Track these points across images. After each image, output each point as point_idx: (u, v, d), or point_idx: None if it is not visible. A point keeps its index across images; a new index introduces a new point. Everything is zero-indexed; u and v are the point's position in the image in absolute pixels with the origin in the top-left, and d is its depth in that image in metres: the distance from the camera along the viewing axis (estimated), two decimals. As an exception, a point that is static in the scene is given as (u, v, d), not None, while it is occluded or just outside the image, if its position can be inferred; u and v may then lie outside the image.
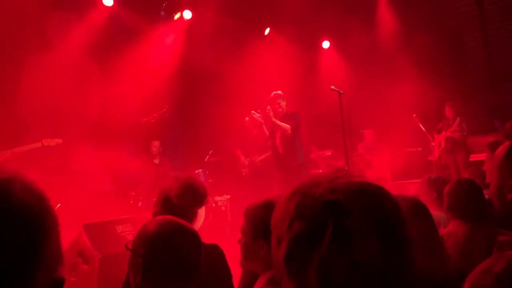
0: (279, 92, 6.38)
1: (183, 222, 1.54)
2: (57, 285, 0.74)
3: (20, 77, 6.65)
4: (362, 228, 0.73)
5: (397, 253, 0.75)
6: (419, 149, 8.18)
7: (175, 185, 2.30)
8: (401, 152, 8.03)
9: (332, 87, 6.01)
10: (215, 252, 2.30)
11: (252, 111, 6.25)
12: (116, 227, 4.09)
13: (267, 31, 9.40)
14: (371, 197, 0.78)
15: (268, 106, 6.15)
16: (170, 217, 1.55)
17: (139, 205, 6.90)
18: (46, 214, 0.74)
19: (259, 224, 1.74)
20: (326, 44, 9.86)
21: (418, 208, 1.82)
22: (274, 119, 6.10)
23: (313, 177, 0.84)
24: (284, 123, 6.16)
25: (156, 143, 7.54)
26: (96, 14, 7.71)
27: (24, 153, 5.37)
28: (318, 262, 0.73)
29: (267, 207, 1.74)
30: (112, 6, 7.76)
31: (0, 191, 0.70)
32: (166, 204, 2.28)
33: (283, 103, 6.32)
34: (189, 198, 2.27)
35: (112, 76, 7.55)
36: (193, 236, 1.51)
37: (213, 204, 7.33)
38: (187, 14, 8.51)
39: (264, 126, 6.38)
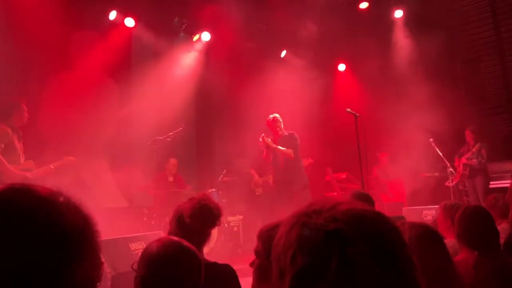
0: (276, 115, 6.45)
1: (186, 243, 1.53)
2: None
3: (42, 95, 6.78)
4: (364, 257, 0.73)
5: (399, 278, 0.74)
6: (436, 174, 8.07)
7: (189, 204, 2.30)
8: (417, 177, 7.92)
9: (348, 109, 6.04)
10: (227, 272, 2.28)
11: (263, 135, 6.30)
12: (130, 245, 4.08)
13: (283, 53, 9.51)
14: (371, 225, 0.77)
15: (263, 134, 6.25)
16: (172, 238, 1.55)
17: (152, 223, 6.90)
18: (87, 233, 0.74)
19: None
20: (342, 67, 9.92)
21: (429, 235, 1.79)
22: (274, 146, 6.20)
23: (312, 203, 0.83)
24: (284, 145, 6.21)
25: (173, 161, 7.63)
26: (116, 34, 7.88)
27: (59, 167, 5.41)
28: None
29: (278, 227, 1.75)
30: (133, 27, 7.97)
31: (43, 207, 0.70)
32: (180, 223, 2.28)
33: (281, 125, 6.40)
34: (202, 218, 2.26)
35: (130, 95, 7.67)
36: (194, 258, 1.50)
37: (226, 225, 7.30)
38: (206, 36, 8.70)
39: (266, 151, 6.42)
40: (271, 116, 6.44)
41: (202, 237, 2.26)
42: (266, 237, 1.75)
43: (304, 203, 0.85)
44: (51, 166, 5.32)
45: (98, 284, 0.76)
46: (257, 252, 1.80)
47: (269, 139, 6.28)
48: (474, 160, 7.48)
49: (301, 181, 6.19)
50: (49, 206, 0.70)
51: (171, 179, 7.65)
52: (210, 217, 2.29)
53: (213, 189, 7.57)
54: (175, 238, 1.55)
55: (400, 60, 9.04)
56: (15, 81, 6.32)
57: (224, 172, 7.97)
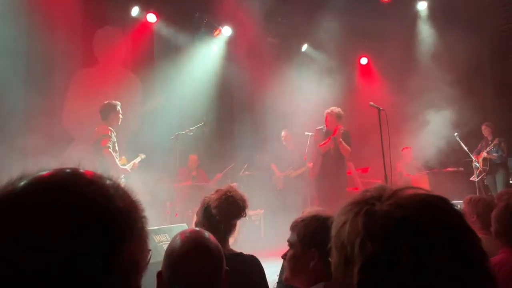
0: (337, 109, 6.43)
1: (208, 237, 1.50)
2: None
3: (66, 90, 6.96)
4: (436, 246, 0.71)
5: (471, 268, 0.73)
6: (461, 169, 7.92)
7: (215, 196, 2.32)
8: (441, 172, 7.79)
9: (371, 103, 5.96)
10: (253, 263, 2.27)
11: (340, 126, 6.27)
12: (154, 237, 4.18)
13: (304, 47, 9.43)
14: (437, 211, 0.76)
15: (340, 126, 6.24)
16: (194, 232, 1.53)
17: (175, 216, 6.97)
18: (134, 217, 0.74)
19: (311, 233, 1.75)
20: (364, 60, 9.79)
21: None
22: (341, 140, 6.20)
23: (366, 190, 0.83)
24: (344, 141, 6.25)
25: (194, 157, 7.76)
26: (139, 30, 7.95)
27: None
28: (397, 285, 0.71)
29: (317, 219, 1.78)
30: (155, 22, 8.03)
31: (90, 189, 0.71)
32: (206, 214, 2.31)
33: (338, 121, 6.41)
34: (227, 210, 2.28)
35: (153, 90, 7.74)
36: (214, 251, 1.45)
37: (247, 218, 7.28)
38: (227, 31, 8.68)
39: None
40: (334, 109, 6.38)
41: (227, 228, 2.28)
42: (302, 226, 1.77)
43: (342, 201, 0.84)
44: (135, 162, 5.85)
45: (144, 270, 0.76)
46: (291, 243, 1.80)
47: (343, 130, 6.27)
48: (495, 154, 7.35)
49: (345, 180, 6.29)
50: (97, 188, 0.72)
51: (193, 173, 7.77)
52: (236, 209, 2.30)
53: (235, 183, 7.49)
54: (198, 231, 1.54)
55: (423, 53, 8.85)
56: (40, 77, 6.48)
57: (245, 166, 8.00)
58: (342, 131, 6.25)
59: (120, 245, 0.70)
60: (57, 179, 0.72)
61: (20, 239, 0.64)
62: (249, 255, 2.27)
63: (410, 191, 0.79)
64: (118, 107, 5.53)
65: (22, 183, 0.70)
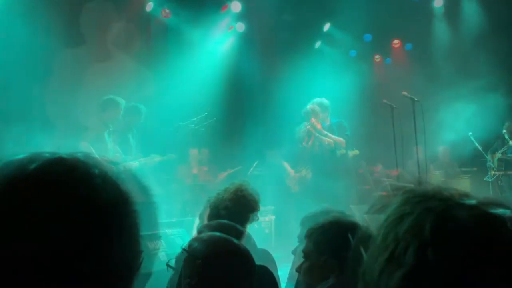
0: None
1: (239, 244, 1.55)
2: None
3: (79, 83, 6.77)
4: None
5: None
6: (474, 169, 7.74)
7: (226, 195, 2.26)
8: (454, 171, 7.64)
9: (384, 100, 5.91)
10: (267, 276, 2.14)
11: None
12: (166, 230, 4.17)
13: (326, 27, 8.64)
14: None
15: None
16: (225, 239, 1.54)
17: (174, 220, 6.46)
18: (122, 211, 0.67)
19: (330, 242, 1.65)
20: (396, 44, 9.30)
21: None
22: (319, 133, 6.12)
23: (442, 188, 0.69)
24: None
25: (194, 152, 7.15)
26: (153, 25, 7.83)
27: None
28: None
29: (336, 225, 1.68)
30: (168, 18, 7.81)
31: (75, 178, 0.64)
32: (214, 217, 2.24)
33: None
34: (242, 204, 2.24)
35: (166, 84, 7.39)
36: (249, 261, 1.49)
37: (256, 225, 6.78)
38: (236, 7, 8.02)
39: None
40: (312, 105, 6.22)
41: (243, 219, 2.24)
42: (318, 235, 1.68)
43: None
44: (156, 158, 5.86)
45: (136, 273, 0.68)
46: (306, 253, 1.70)
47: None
48: (510, 155, 7.18)
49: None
50: (80, 177, 0.64)
51: (195, 171, 7.11)
52: (250, 202, 2.27)
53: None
54: (227, 238, 1.52)
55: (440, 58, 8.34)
56: (47, 72, 6.35)
57: (255, 164, 7.44)
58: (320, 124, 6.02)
59: (106, 245, 0.62)
60: (40, 169, 0.63)
61: None
62: (261, 265, 2.10)
63: (497, 206, 0.66)
64: (120, 105, 5.62)
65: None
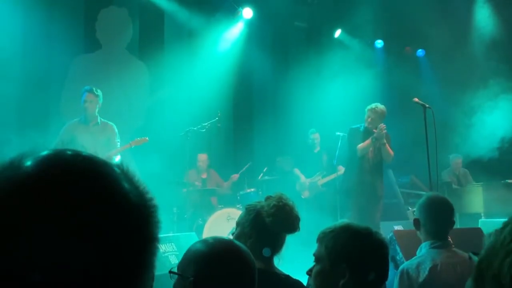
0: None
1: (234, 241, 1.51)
2: None
3: (67, 76, 6.71)
4: None
5: None
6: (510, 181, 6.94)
7: (268, 202, 2.10)
8: (497, 184, 6.79)
9: (415, 99, 5.19)
10: None
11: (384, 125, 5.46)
12: (159, 246, 3.50)
13: (337, 33, 8.66)
14: None
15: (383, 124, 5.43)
16: (219, 237, 1.51)
17: (183, 224, 6.27)
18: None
19: (341, 246, 1.61)
20: (409, 49, 9.15)
21: None
22: (385, 141, 5.42)
23: None
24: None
25: (203, 157, 7.02)
26: (148, 13, 7.46)
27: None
28: None
29: (348, 230, 1.65)
30: (166, 4, 7.47)
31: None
32: (256, 225, 2.08)
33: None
34: (283, 219, 2.08)
35: (162, 80, 7.29)
36: (247, 254, 1.42)
37: None
38: (248, 13, 7.92)
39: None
40: (378, 105, 5.60)
41: (278, 242, 2.11)
42: (330, 239, 1.67)
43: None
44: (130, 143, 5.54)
45: None
46: (318, 257, 1.70)
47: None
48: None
49: (382, 189, 5.59)
50: (112, 178, 0.58)
51: (204, 175, 7.01)
52: (293, 220, 2.10)
53: (252, 189, 6.78)
54: (222, 237, 1.52)
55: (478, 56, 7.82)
56: (37, 62, 6.19)
57: (264, 170, 7.19)
58: (385, 131, 5.40)
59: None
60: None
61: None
62: (295, 279, 2.07)
63: None
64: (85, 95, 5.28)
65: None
